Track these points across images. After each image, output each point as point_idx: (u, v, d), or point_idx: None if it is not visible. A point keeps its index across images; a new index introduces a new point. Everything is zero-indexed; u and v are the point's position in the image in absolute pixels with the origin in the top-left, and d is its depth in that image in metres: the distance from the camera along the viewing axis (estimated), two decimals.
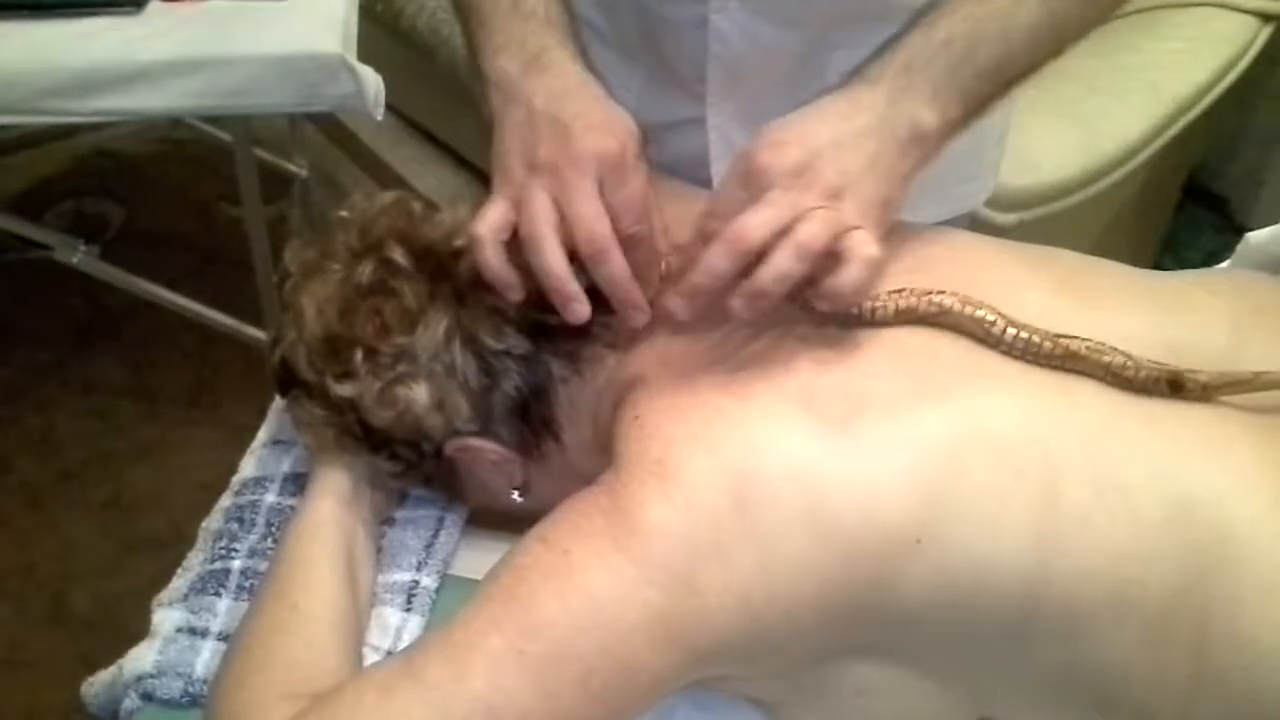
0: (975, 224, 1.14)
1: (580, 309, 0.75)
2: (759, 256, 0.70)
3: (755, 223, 0.70)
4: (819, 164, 0.72)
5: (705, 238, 0.72)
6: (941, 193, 1.01)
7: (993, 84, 0.75)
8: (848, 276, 0.70)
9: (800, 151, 0.72)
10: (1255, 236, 0.89)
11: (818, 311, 0.74)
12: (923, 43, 0.75)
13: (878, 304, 0.74)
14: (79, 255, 1.81)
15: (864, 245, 0.70)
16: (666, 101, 0.95)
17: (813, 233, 0.69)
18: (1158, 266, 2.09)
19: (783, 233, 0.70)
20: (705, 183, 0.97)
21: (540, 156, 0.74)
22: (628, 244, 0.74)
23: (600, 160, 0.73)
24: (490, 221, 0.74)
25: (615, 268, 0.74)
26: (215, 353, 2.14)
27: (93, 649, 0.88)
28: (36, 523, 1.95)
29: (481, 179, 2.37)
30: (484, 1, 0.81)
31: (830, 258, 0.70)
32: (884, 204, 0.73)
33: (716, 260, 0.71)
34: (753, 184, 0.72)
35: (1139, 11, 1.82)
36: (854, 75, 0.76)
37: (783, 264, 0.69)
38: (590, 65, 0.80)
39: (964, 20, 0.75)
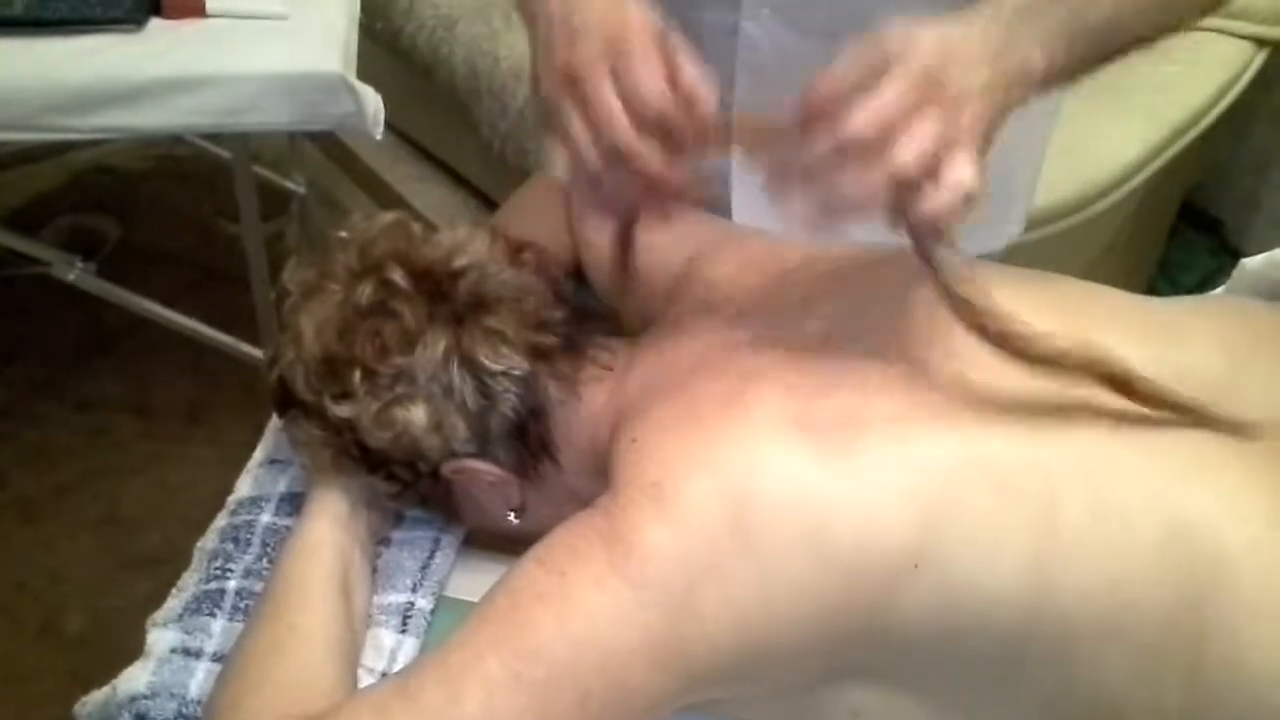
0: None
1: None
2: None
3: (872, 109, 0.63)
4: (946, 71, 0.66)
5: (809, 107, 0.66)
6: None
7: (1097, 46, 0.73)
8: (933, 201, 0.64)
9: (933, 52, 0.66)
10: (1250, 263, 0.90)
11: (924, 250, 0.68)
12: None
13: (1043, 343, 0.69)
14: (76, 272, 1.81)
15: (962, 168, 0.64)
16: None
17: (923, 135, 0.63)
18: (1152, 290, 2.10)
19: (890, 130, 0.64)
20: (725, 200, 0.97)
21: (558, 63, 0.70)
22: (655, 125, 0.68)
23: (605, 42, 0.68)
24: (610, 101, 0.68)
25: (639, 161, 0.68)
26: (212, 370, 2.13)
27: (86, 666, 0.88)
28: (30, 538, 1.94)
29: (479, 198, 2.39)
30: None
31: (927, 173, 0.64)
32: (988, 132, 0.68)
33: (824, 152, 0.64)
34: (878, 68, 0.65)
35: None
36: (970, 9, 0.70)
37: (869, 172, 0.63)
38: None
39: None
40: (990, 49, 0.68)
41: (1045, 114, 0.99)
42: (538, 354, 0.81)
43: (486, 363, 0.80)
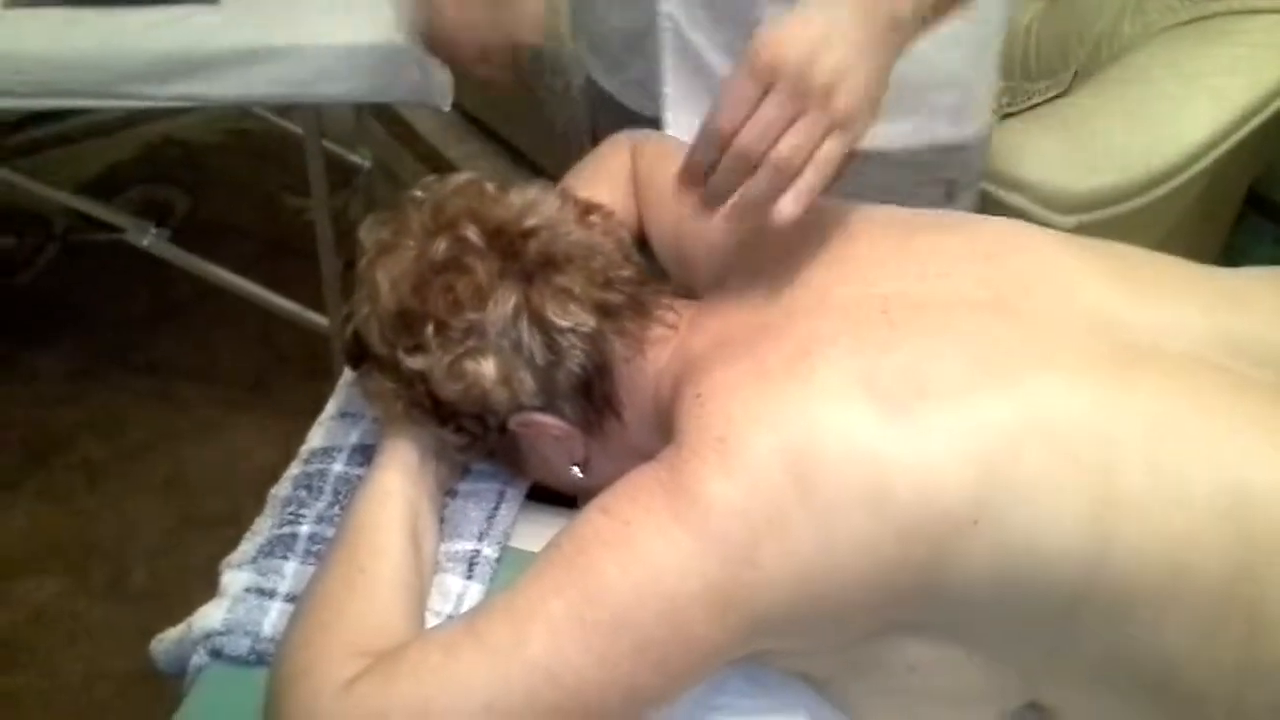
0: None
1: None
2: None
3: (757, 140, 0.74)
4: (817, 60, 0.73)
5: (709, 137, 0.76)
6: (917, 99, 1.02)
7: None
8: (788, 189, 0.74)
9: (800, 45, 0.73)
10: None
11: None
12: None
13: None
14: (150, 238, 1.85)
15: (830, 146, 0.74)
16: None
17: (790, 148, 0.74)
18: None
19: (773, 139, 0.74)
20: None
21: None
22: None
23: None
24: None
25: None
26: (277, 339, 2.17)
27: (150, 621, 0.90)
28: (98, 500, 1.99)
29: (540, 174, 2.40)
30: None
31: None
32: (871, 96, 0.76)
33: (727, 174, 0.76)
34: (758, 78, 0.74)
35: (1203, 19, 1.81)
36: None
37: (761, 184, 0.75)
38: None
39: None
40: (856, 12, 0.74)
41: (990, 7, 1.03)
42: (605, 312, 0.83)
43: (555, 319, 0.81)
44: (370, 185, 2.33)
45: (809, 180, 0.74)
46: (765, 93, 0.74)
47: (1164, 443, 0.70)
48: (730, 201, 0.77)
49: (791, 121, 0.74)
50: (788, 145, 0.74)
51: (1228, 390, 0.73)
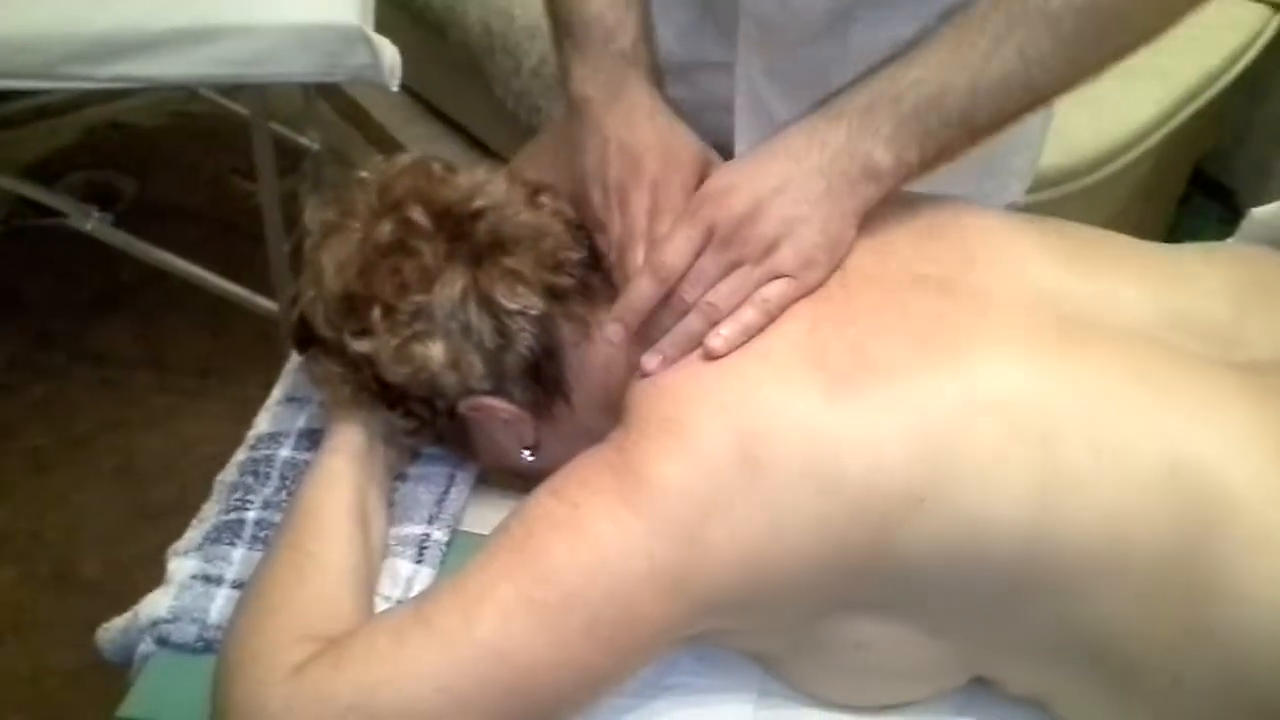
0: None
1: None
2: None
3: (692, 289, 0.78)
4: (759, 213, 0.76)
5: (652, 269, 0.79)
6: (954, 184, 1.03)
7: (958, 132, 0.77)
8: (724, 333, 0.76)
9: (746, 199, 0.77)
10: (1260, 212, 0.91)
11: None
12: (890, 83, 0.77)
13: None
14: (92, 222, 1.81)
15: (746, 312, 0.76)
16: (705, 43, 0.98)
17: (723, 295, 0.77)
18: None
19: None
20: (728, 129, 1.00)
21: (611, 179, 0.82)
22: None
23: (658, 179, 0.81)
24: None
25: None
26: (226, 324, 2.14)
27: (101, 614, 0.89)
28: (45, 489, 1.95)
29: (492, 156, 2.39)
30: (577, 25, 0.87)
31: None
32: (831, 243, 0.77)
33: (664, 318, 0.79)
34: (698, 227, 0.78)
35: None
36: (820, 106, 0.79)
37: (694, 325, 0.77)
38: (667, 97, 0.88)
39: (936, 67, 0.76)
40: (824, 160, 0.77)
41: None
42: (553, 294, 0.83)
43: (503, 302, 0.81)
44: (320, 168, 2.30)
45: (749, 320, 0.76)
46: (708, 240, 0.78)
47: (1106, 416, 0.71)
48: (664, 341, 0.79)
49: (730, 269, 0.77)
50: (720, 294, 0.77)
51: (1169, 364, 0.74)
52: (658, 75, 0.88)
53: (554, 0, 0.88)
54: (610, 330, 0.81)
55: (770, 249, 0.76)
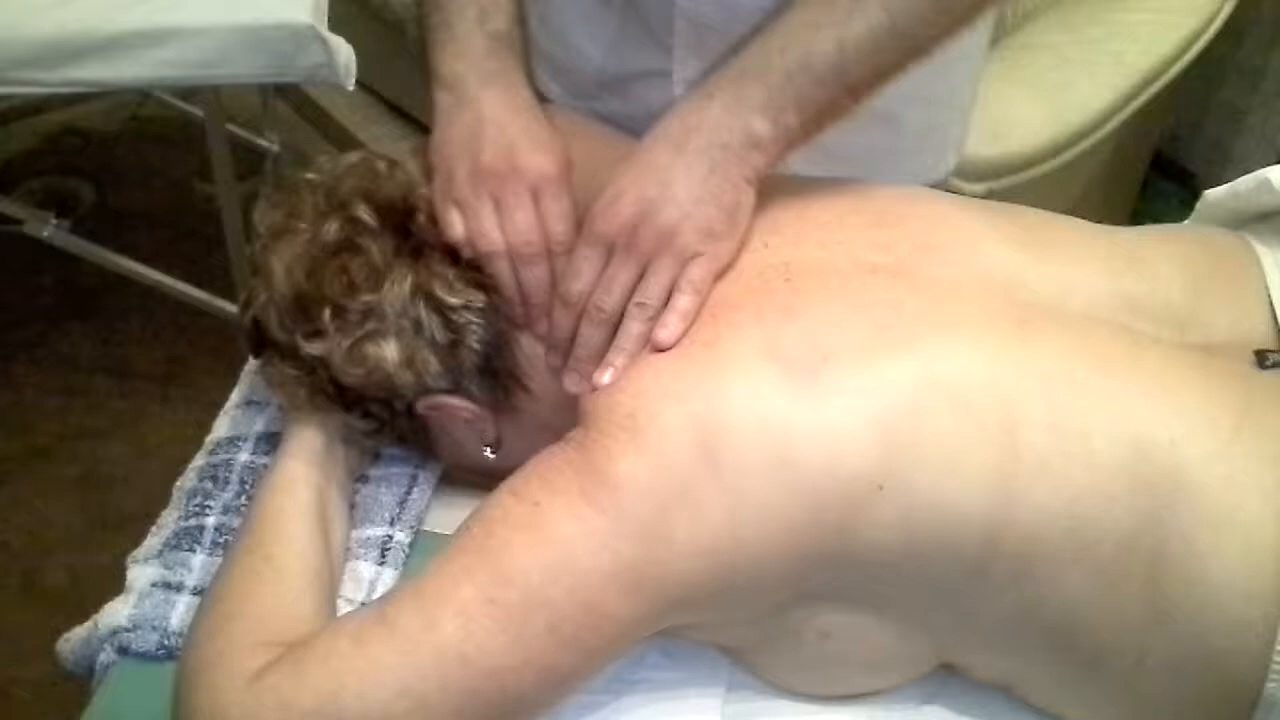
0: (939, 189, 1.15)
1: (546, 322, 0.83)
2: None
3: (608, 297, 0.79)
4: (651, 210, 0.77)
5: (565, 301, 0.80)
6: (896, 165, 1.03)
7: (834, 90, 0.77)
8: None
9: (632, 205, 0.77)
10: (1213, 194, 0.91)
11: None
12: (758, 52, 0.78)
13: None
14: (50, 229, 1.79)
15: (694, 282, 0.77)
16: (637, 52, 0.97)
17: (651, 293, 0.77)
18: None
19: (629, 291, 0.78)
20: None
21: (484, 164, 0.81)
22: (555, 251, 0.81)
23: (539, 175, 0.80)
24: (495, 236, 0.81)
25: (540, 276, 0.81)
26: (188, 329, 2.12)
27: (66, 623, 0.88)
28: (7, 499, 1.93)
29: None
30: (449, 3, 0.86)
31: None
32: (729, 212, 0.78)
33: (589, 335, 0.80)
34: (597, 244, 0.78)
35: None
36: (695, 87, 0.80)
37: (634, 329, 0.78)
38: (536, 90, 0.88)
39: (800, 29, 0.77)
40: (702, 141, 0.77)
41: (963, 59, 1.02)
42: (491, 287, 0.82)
43: (445, 297, 0.81)
44: (280, 169, 2.29)
45: (684, 304, 0.77)
46: (609, 256, 0.78)
47: (1064, 400, 0.71)
48: (612, 351, 0.78)
49: (642, 271, 0.78)
50: (648, 293, 0.77)
51: (1126, 347, 0.74)
52: (527, 66, 0.89)
53: None
54: (568, 381, 0.81)
55: (671, 237, 0.77)
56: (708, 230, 0.77)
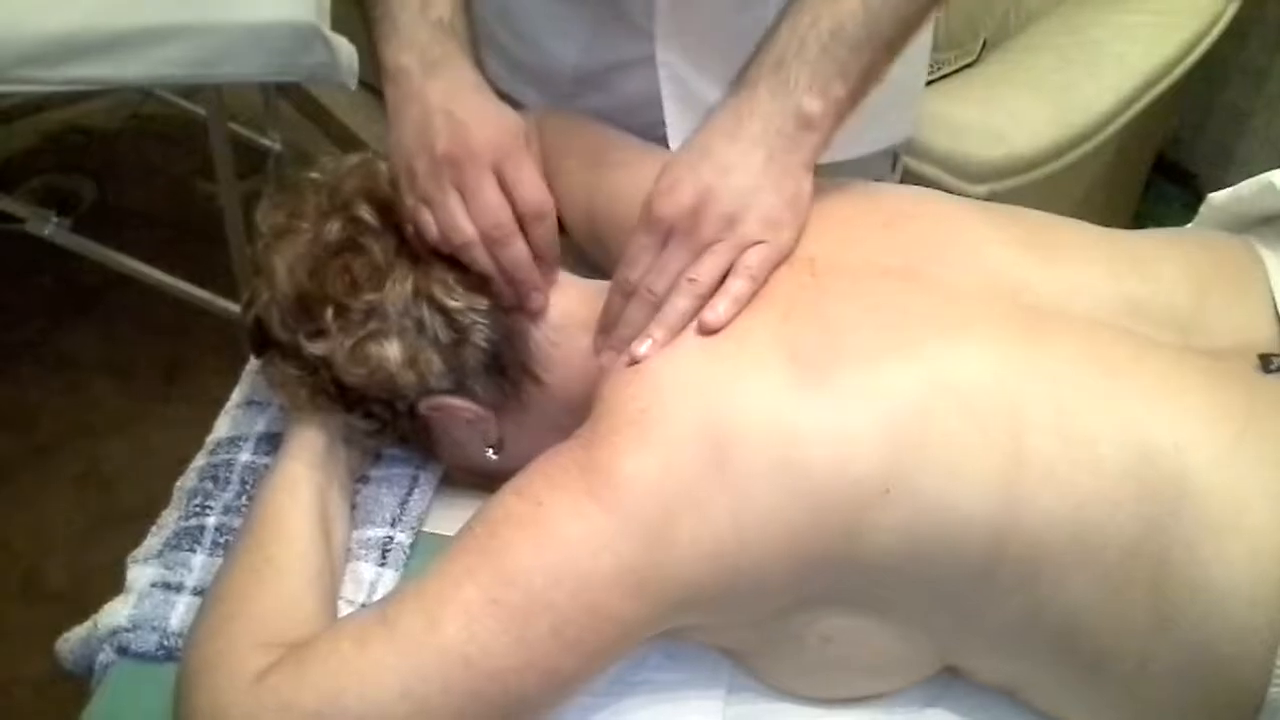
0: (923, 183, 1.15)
1: (538, 297, 0.82)
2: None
3: (660, 280, 0.78)
4: (711, 197, 0.76)
5: (622, 289, 0.80)
6: (862, 124, 1.03)
7: (871, 51, 0.77)
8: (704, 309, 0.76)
9: (691, 191, 0.77)
10: (1217, 197, 0.91)
11: None
12: (789, 33, 0.77)
13: None
14: (51, 227, 1.79)
15: (733, 281, 0.76)
16: (616, 42, 0.97)
17: (704, 271, 0.76)
18: None
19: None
20: (659, 124, 0.99)
21: (440, 152, 0.79)
22: (529, 222, 0.80)
23: (496, 150, 0.79)
24: (466, 227, 0.79)
25: (517, 252, 0.80)
26: (189, 328, 2.12)
27: (67, 622, 0.88)
28: (9, 497, 1.93)
29: None
30: None
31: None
32: (789, 202, 0.78)
33: (635, 315, 0.79)
34: (656, 231, 0.78)
35: None
36: (735, 82, 0.80)
37: (680, 304, 0.77)
38: (484, 73, 0.86)
39: (824, 2, 0.77)
40: (756, 129, 0.77)
41: None
42: (488, 288, 0.82)
43: (445, 300, 0.81)
44: (282, 168, 2.29)
45: (739, 289, 0.76)
46: (666, 242, 0.77)
47: (1069, 404, 0.71)
48: (654, 324, 0.77)
49: (697, 256, 0.77)
50: (702, 270, 0.77)
51: (1132, 351, 0.74)
52: (476, 52, 0.87)
53: None
54: (605, 356, 0.81)
55: (732, 223, 0.76)
56: (770, 219, 0.77)
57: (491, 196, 0.79)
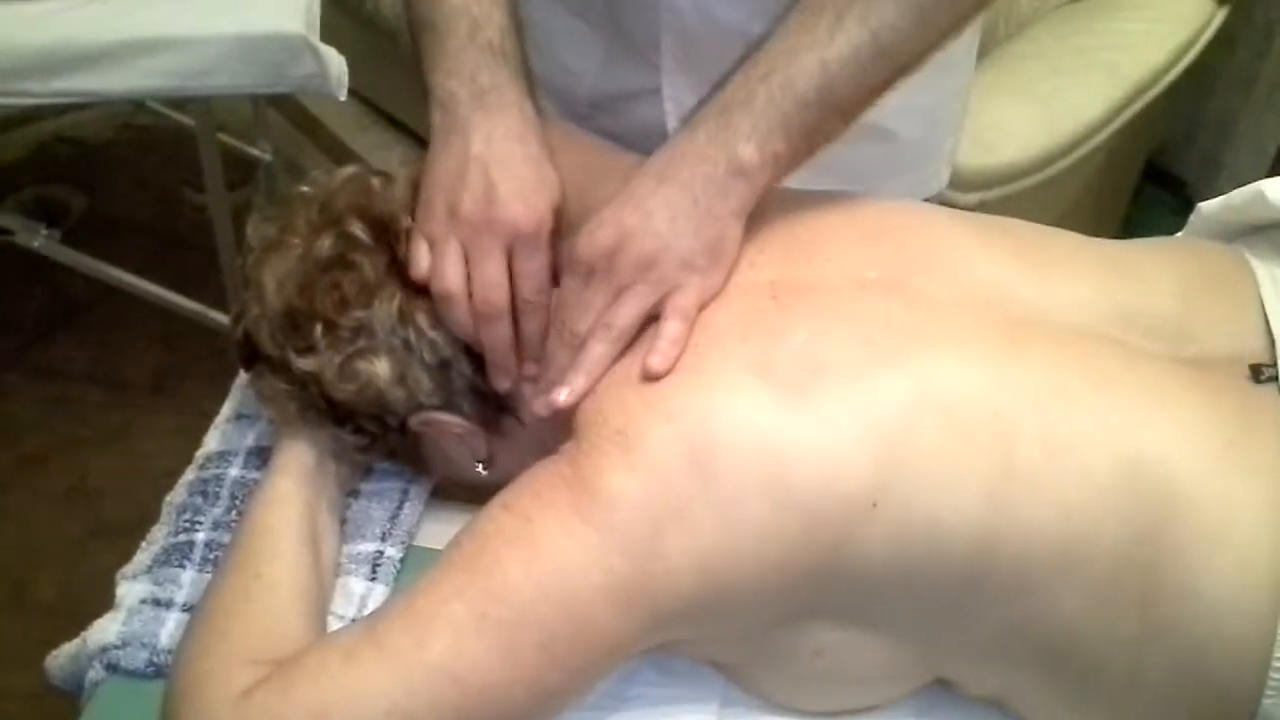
0: (934, 202, 1.15)
1: (504, 380, 0.82)
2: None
3: (581, 320, 0.78)
4: (629, 240, 0.76)
5: (555, 327, 0.80)
6: (893, 179, 1.02)
7: (822, 112, 0.76)
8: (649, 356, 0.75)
9: (612, 234, 0.76)
10: (1207, 206, 0.91)
11: None
12: (741, 81, 0.77)
13: None
14: (40, 239, 1.79)
15: (679, 311, 0.76)
16: (625, 72, 0.96)
17: (620, 315, 0.76)
18: None
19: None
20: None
21: (463, 209, 0.78)
22: (522, 313, 0.80)
23: (515, 232, 0.78)
24: (452, 281, 0.79)
25: (500, 334, 0.80)
26: (179, 339, 2.12)
27: (57, 635, 0.87)
28: None
29: None
30: (440, 19, 0.83)
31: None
32: (709, 247, 0.77)
33: (558, 356, 0.79)
34: (577, 272, 0.77)
35: None
36: (683, 123, 0.79)
37: (597, 350, 0.77)
38: (537, 105, 0.85)
39: (782, 55, 0.76)
40: (685, 173, 0.76)
41: (953, 70, 1.03)
42: None
43: (426, 329, 0.81)
44: (272, 179, 2.28)
45: (674, 330, 0.75)
46: (588, 283, 0.77)
47: (1057, 415, 0.71)
48: (572, 371, 0.77)
49: (616, 297, 0.77)
50: (617, 315, 0.76)
51: (1120, 362, 0.74)
52: (528, 76, 0.86)
53: (415, 1, 0.85)
54: (536, 404, 0.80)
55: (649, 266, 0.76)
56: (686, 263, 0.76)
57: (494, 273, 0.79)
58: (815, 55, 0.75)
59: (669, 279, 0.76)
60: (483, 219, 0.78)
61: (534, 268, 0.79)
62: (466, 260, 0.79)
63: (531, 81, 0.86)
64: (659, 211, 0.76)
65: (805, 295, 0.76)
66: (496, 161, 0.79)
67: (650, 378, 0.74)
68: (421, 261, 0.80)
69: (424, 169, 0.83)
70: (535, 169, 0.81)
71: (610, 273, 0.77)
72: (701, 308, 0.77)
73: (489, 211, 0.78)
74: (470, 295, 0.79)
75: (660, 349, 0.74)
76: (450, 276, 0.78)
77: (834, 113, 0.77)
